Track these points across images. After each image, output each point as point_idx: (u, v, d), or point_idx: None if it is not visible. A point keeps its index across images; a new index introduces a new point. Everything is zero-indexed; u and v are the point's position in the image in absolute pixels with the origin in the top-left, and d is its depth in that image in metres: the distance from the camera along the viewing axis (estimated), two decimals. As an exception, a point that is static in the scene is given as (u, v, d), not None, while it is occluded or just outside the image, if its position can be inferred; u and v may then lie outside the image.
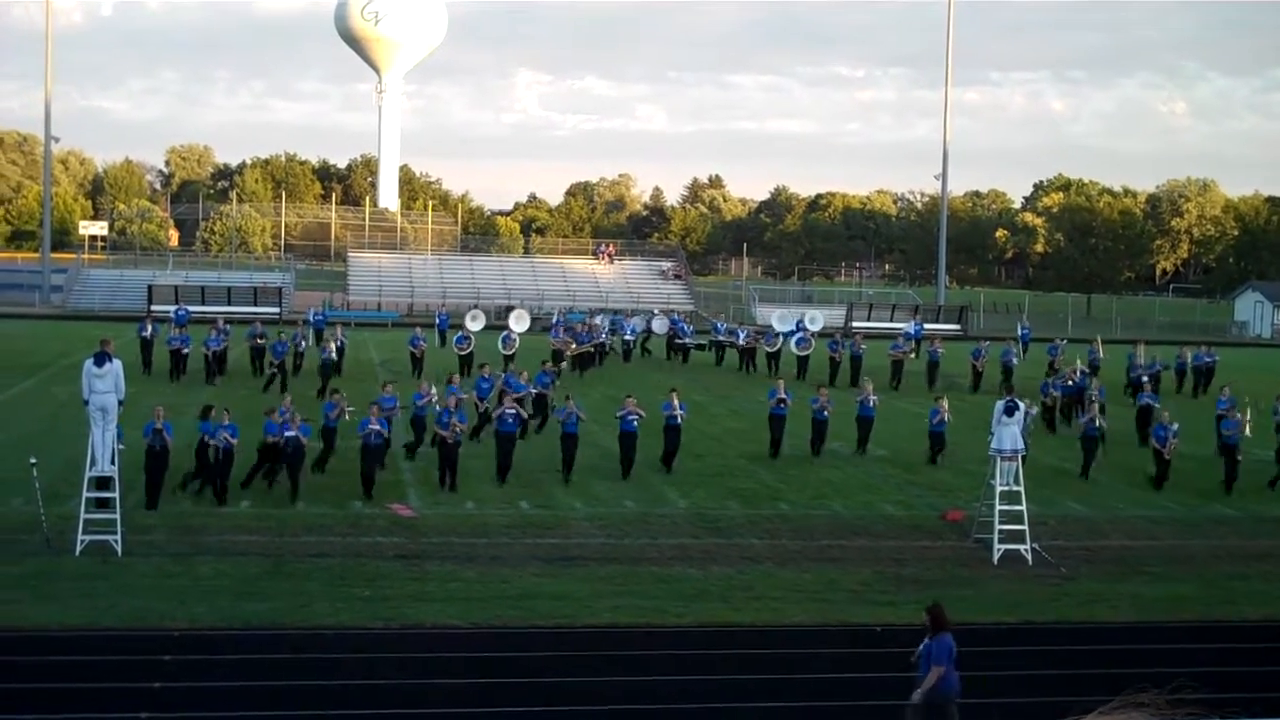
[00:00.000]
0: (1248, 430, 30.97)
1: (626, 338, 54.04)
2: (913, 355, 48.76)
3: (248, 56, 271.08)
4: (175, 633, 18.56)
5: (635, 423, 29.59)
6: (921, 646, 14.62)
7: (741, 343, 51.12)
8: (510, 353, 43.63)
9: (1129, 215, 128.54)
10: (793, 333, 53.92)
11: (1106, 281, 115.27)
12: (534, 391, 34.47)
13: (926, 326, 77.89)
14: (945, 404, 32.99)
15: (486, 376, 34.17)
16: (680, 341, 54.06)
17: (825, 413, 32.90)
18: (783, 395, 32.86)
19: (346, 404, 29.41)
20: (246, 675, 17.14)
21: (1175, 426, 30.92)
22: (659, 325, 57.68)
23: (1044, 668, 18.31)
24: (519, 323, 50.24)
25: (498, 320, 79.28)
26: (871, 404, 33.82)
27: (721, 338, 54.19)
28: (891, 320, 78.35)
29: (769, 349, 48.49)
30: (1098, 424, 31.45)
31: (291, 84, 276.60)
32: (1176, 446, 30.85)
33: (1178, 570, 24.42)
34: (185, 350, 43.55)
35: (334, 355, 43.17)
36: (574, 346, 45.81)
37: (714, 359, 53.68)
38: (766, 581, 22.57)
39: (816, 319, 56.81)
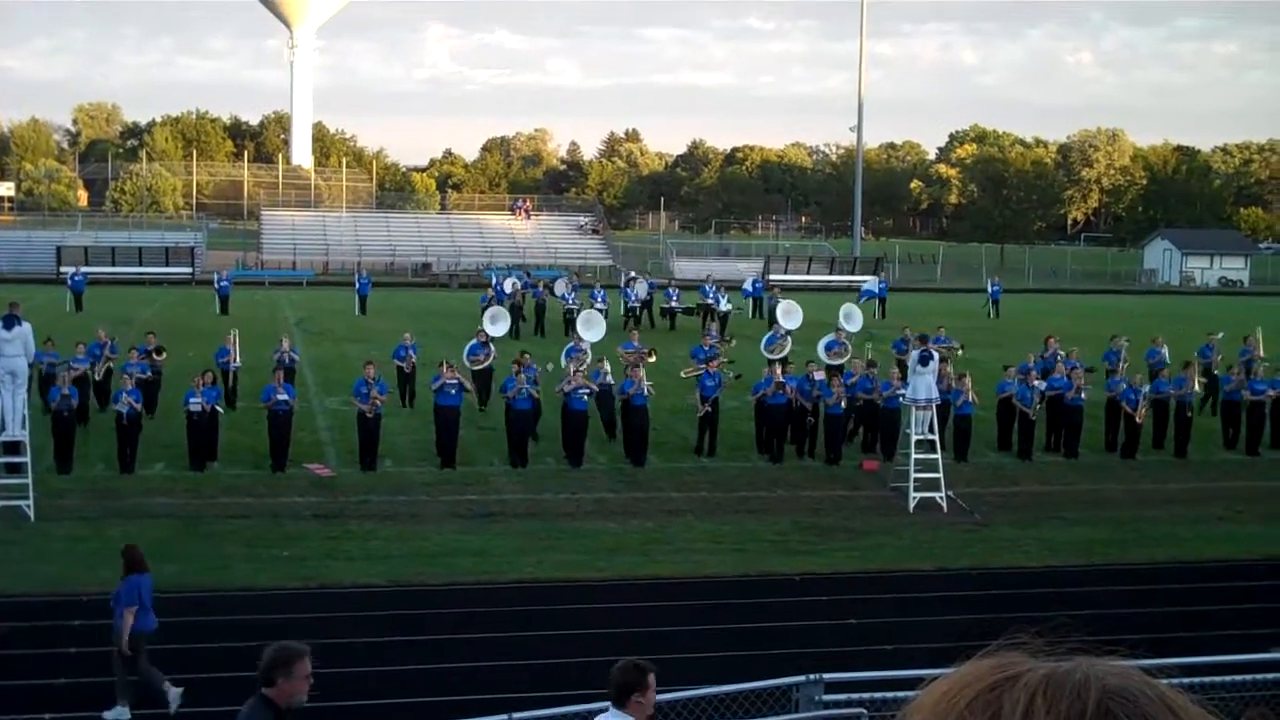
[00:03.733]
0: (1196, 385, 30.58)
1: (599, 306, 46.98)
2: (960, 351, 35.87)
3: (155, 13, 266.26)
4: (90, 598, 18.35)
5: (586, 399, 27.60)
6: (115, 590, 14.76)
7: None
8: (580, 369, 30.43)
9: (1041, 166, 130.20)
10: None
11: (1019, 231, 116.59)
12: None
13: (843, 278, 78.58)
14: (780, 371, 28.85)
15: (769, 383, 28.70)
16: (668, 306, 51.24)
17: (842, 405, 28.06)
18: (781, 379, 28.08)
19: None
20: (163, 639, 16.99)
21: (1146, 389, 29.68)
22: (640, 289, 52.84)
23: (959, 613, 18.58)
24: (590, 329, 36.83)
25: (415, 278, 78.88)
26: (971, 400, 28.56)
27: (709, 300, 50.20)
28: (809, 272, 78.58)
29: (771, 355, 32.33)
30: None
31: (200, 40, 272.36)
32: (1147, 411, 29.49)
33: (1091, 515, 24.84)
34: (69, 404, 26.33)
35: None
36: (692, 366, 31.96)
37: (700, 324, 48.68)
38: (686, 534, 22.71)
39: (854, 316, 38.36)
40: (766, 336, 35.35)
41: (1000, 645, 1.74)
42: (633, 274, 59.85)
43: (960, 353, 35.41)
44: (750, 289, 56.34)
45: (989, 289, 62.09)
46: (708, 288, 52.04)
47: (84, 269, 60.64)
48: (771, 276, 71.10)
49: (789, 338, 34.27)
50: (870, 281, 60.36)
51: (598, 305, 47.34)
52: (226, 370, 31.19)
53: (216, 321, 49.86)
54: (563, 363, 30.88)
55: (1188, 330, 46.23)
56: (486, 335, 33.57)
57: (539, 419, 28.66)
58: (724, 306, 49.74)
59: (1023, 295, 68.91)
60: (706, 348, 32.38)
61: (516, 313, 47.36)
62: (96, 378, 29.69)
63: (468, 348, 32.49)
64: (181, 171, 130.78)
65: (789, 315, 39.82)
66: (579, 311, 46.34)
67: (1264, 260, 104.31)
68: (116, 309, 53.87)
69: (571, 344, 33.74)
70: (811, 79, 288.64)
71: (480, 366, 31.68)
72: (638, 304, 51.35)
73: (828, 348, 33.35)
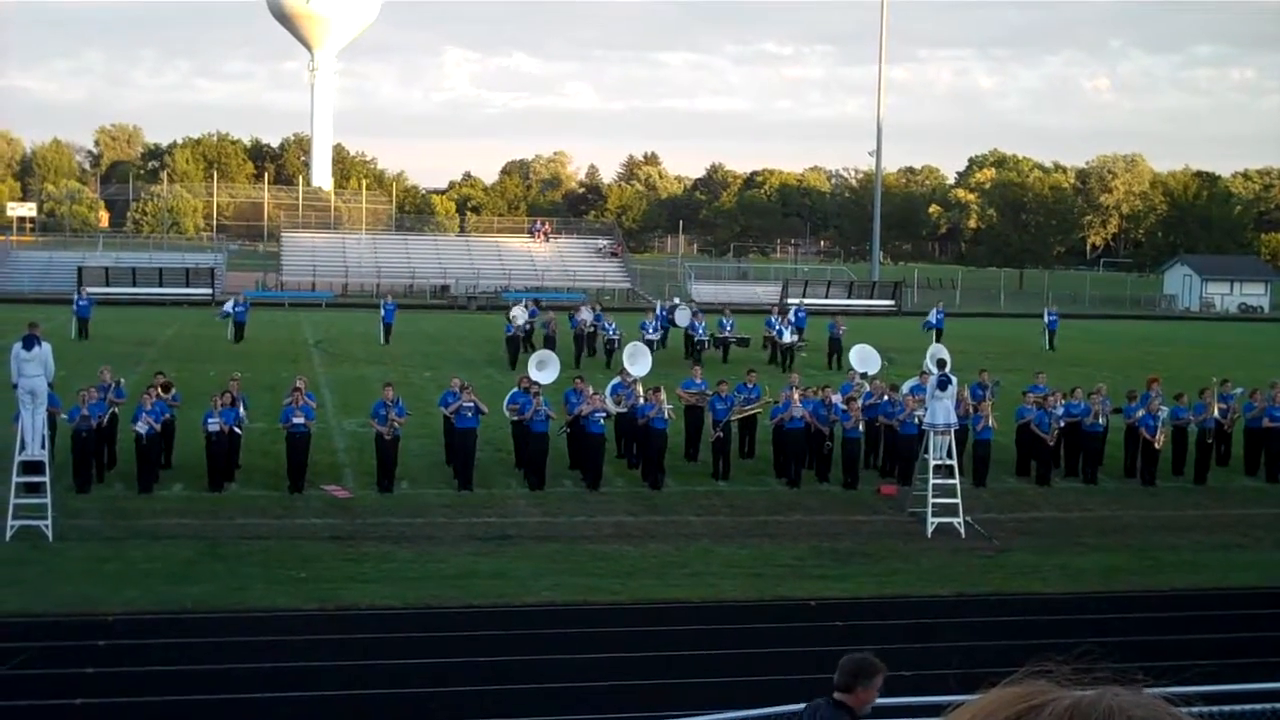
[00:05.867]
0: (1215, 412, 30.32)
1: (649, 336, 45.65)
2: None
3: (172, 35, 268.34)
4: (109, 617, 18.40)
5: (603, 421, 27.74)
6: None
7: (787, 339, 47.18)
8: (624, 409, 29.22)
9: (1059, 191, 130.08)
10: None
11: (1038, 256, 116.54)
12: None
13: (861, 303, 78.58)
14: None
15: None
16: (722, 336, 48.91)
17: (860, 429, 28.37)
18: (798, 404, 28.19)
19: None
20: (182, 659, 17.03)
21: (1164, 413, 29.43)
22: (681, 318, 50.48)
23: (978, 639, 18.51)
24: (636, 363, 33.18)
25: (433, 300, 79.04)
26: (991, 425, 28.62)
27: (773, 333, 48.55)
28: (827, 296, 78.41)
29: (844, 401, 29.13)
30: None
31: (217, 63, 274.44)
32: (1165, 438, 29.38)
33: (1110, 541, 24.72)
34: (92, 420, 25.67)
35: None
36: (742, 407, 30.00)
37: (766, 355, 48.18)
38: (703, 558, 22.66)
39: (942, 352, 30.49)
40: (842, 385, 31.94)
41: (1025, 673, 1.73)
42: (675, 301, 56.73)
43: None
44: (793, 319, 52.18)
45: (1045, 318, 58.34)
46: (773, 319, 49.80)
47: (90, 292, 56.49)
48: (809, 300, 69.28)
49: (865, 383, 31.30)
50: (931, 313, 57.33)
51: (648, 336, 45.46)
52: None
53: (232, 347, 49.64)
54: (609, 401, 28.86)
55: (1208, 357, 46.07)
56: (530, 382, 29.38)
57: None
58: (787, 338, 47.79)
59: (1041, 321, 68.62)
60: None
61: (551, 342, 44.05)
62: (102, 424, 26.44)
63: (509, 396, 28.95)
64: (202, 193, 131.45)
65: (865, 360, 35.10)
66: (621, 341, 43.43)
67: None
68: (136, 329, 54.10)
69: (617, 380, 31.07)
70: (828, 104, 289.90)
71: (518, 417, 28.23)
72: (707, 337, 48.52)
73: (913, 392, 28.95)
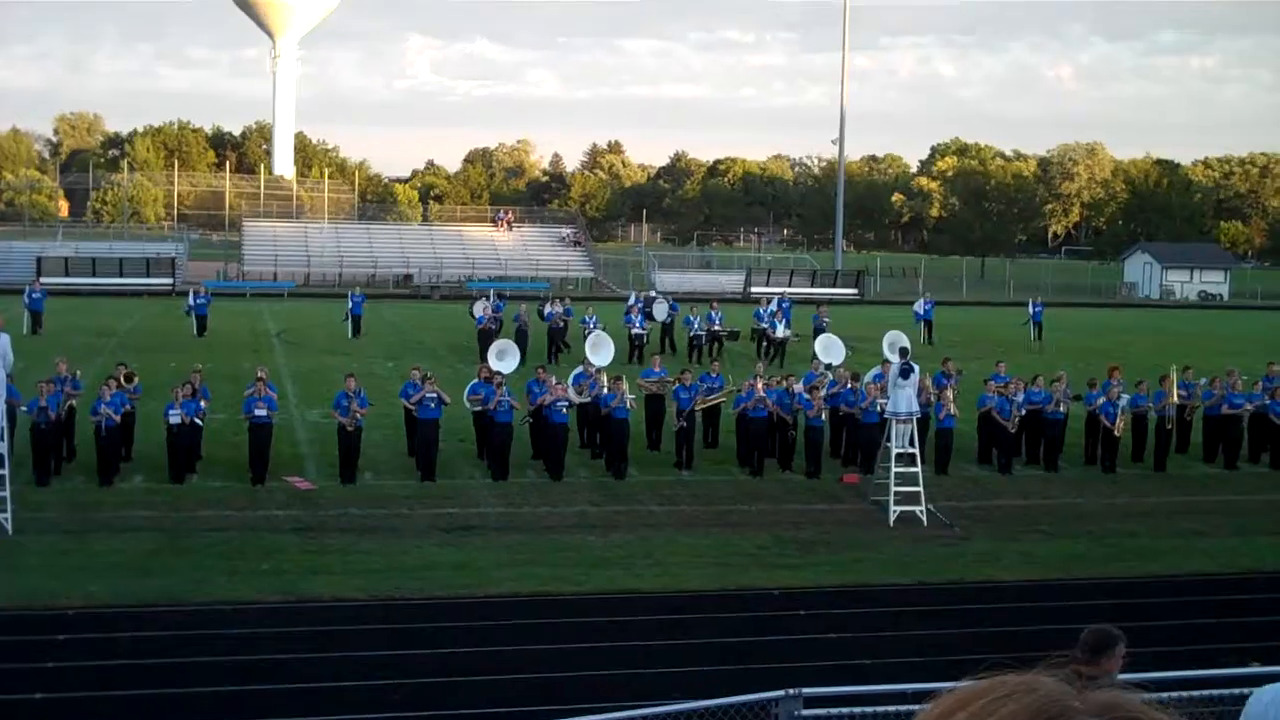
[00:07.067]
0: (1175, 398, 30.46)
1: (636, 330, 45.76)
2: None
3: (132, 21, 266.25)
4: (69, 611, 18.29)
5: (565, 411, 27.65)
6: None
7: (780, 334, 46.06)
8: (585, 400, 29.26)
9: (1021, 179, 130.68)
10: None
11: (1000, 245, 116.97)
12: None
13: (825, 291, 78.61)
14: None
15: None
16: (713, 330, 46.85)
17: (822, 418, 28.49)
18: (762, 393, 28.28)
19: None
20: (143, 653, 16.94)
21: (1124, 401, 29.50)
22: (659, 311, 49.06)
23: (940, 627, 18.60)
24: (598, 352, 32.96)
25: (396, 289, 78.73)
26: (953, 413, 28.84)
27: (764, 325, 47.32)
28: (790, 285, 78.35)
29: (806, 390, 29.12)
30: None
31: (178, 50, 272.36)
32: (1124, 425, 29.60)
33: (1070, 528, 24.88)
34: (48, 416, 25.25)
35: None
36: (705, 397, 29.81)
37: (755, 350, 47.04)
38: (667, 547, 22.69)
39: (899, 345, 29.66)
40: (805, 374, 31.34)
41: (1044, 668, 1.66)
42: (653, 293, 54.39)
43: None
44: (781, 310, 49.50)
45: (1030, 309, 54.63)
46: (761, 311, 48.22)
47: (46, 282, 55.04)
48: (773, 290, 67.72)
49: (829, 373, 31.20)
50: (918, 303, 55.28)
51: (635, 330, 45.12)
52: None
53: (194, 341, 48.71)
54: (570, 390, 28.63)
55: (1168, 344, 46.35)
56: (490, 372, 29.43)
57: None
58: (781, 333, 46.39)
59: (1003, 309, 69.00)
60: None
61: (523, 337, 42.71)
62: (60, 417, 26.06)
63: (470, 386, 28.88)
64: (163, 182, 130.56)
65: (829, 350, 34.48)
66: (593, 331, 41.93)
67: (1243, 274, 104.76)
68: (96, 320, 53.70)
69: (580, 369, 30.65)
70: (791, 92, 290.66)
71: (481, 407, 28.14)
72: (702, 332, 46.39)
73: (876, 380, 28.82)
